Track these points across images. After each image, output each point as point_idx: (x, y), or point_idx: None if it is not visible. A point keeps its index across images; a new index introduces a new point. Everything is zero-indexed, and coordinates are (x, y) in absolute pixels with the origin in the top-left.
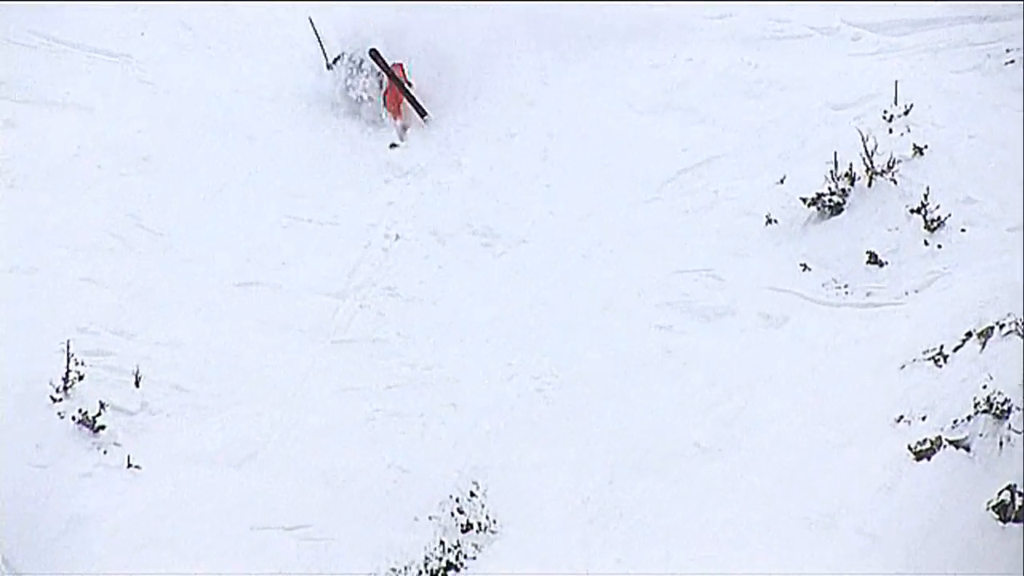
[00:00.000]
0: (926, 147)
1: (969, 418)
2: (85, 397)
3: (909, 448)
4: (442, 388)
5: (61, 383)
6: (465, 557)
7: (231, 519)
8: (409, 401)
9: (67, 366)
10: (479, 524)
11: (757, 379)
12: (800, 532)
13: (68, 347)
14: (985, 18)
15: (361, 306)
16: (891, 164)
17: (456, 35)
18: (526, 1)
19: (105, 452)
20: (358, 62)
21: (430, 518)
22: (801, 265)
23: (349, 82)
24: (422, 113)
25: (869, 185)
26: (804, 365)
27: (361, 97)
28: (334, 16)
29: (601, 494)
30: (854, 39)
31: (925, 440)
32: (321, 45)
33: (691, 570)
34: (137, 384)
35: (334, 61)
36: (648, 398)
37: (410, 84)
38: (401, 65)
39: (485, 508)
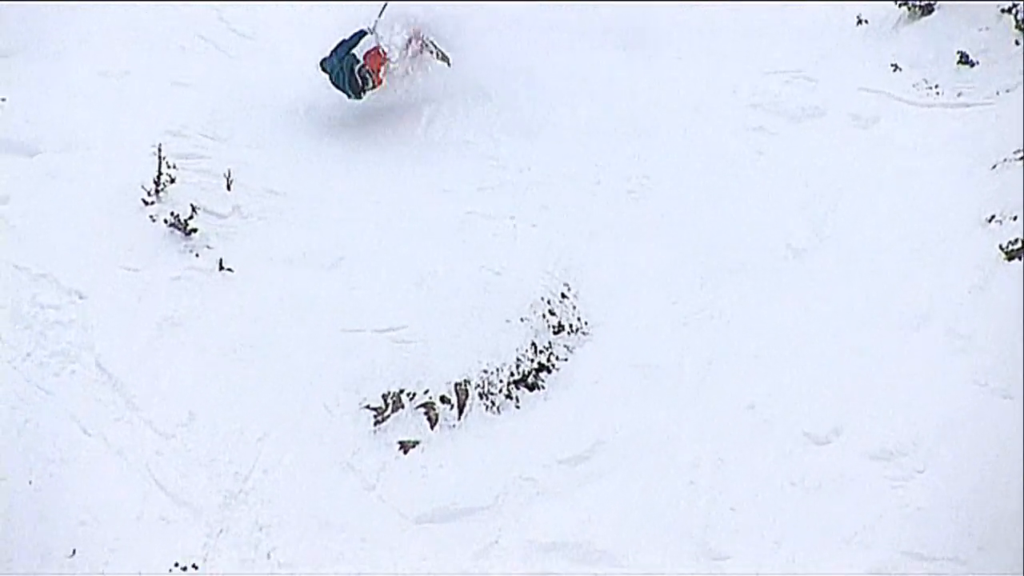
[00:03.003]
0: None
1: None
2: (177, 200)
3: (1000, 248)
4: (533, 190)
5: (153, 186)
6: (557, 358)
7: (323, 321)
8: (500, 203)
9: (158, 169)
10: (570, 326)
11: (847, 180)
12: (891, 332)
13: (159, 150)
14: None
15: (451, 109)
16: None
17: None
18: None
19: (197, 255)
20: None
21: (522, 320)
22: (892, 65)
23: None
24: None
25: None
26: (894, 166)
27: None
28: None
29: (692, 296)
30: None
31: (1016, 240)
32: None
33: (782, 368)
34: (228, 187)
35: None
36: (739, 199)
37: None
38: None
39: (576, 310)
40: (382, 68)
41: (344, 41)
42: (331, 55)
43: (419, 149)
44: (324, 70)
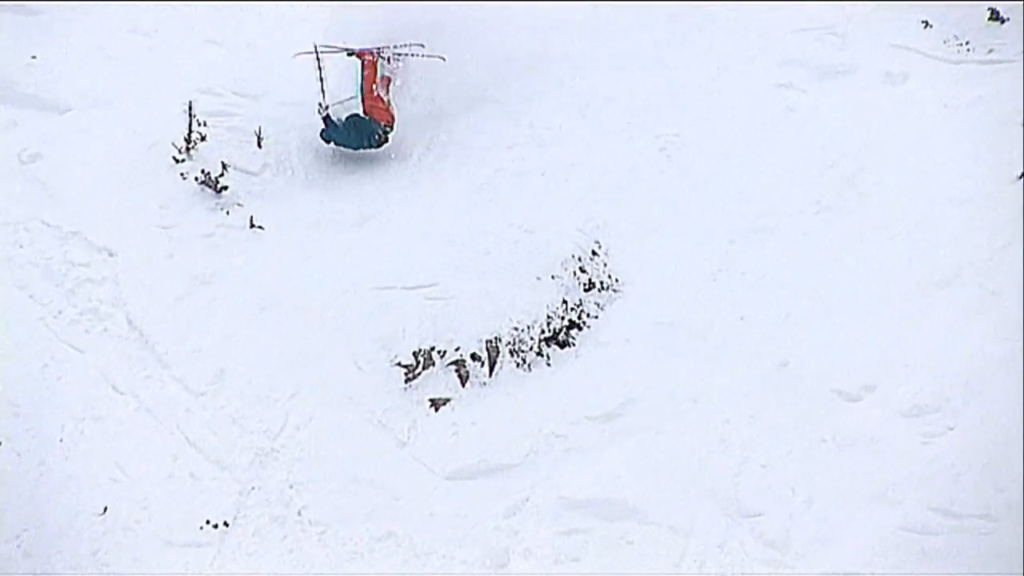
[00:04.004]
0: None
1: None
2: (207, 158)
3: None
4: (563, 148)
5: (183, 144)
6: (588, 316)
7: (354, 279)
8: (530, 161)
9: (189, 126)
10: (601, 283)
11: (877, 137)
12: (920, 289)
13: (190, 108)
14: None
15: (477, 75)
16: None
17: None
18: None
19: (228, 213)
20: None
21: (553, 277)
22: (922, 22)
23: None
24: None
25: None
26: (924, 123)
27: None
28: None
29: (722, 253)
30: None
31: None
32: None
33: (813, 326)
34: (259, 145)
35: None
36: (769, 156)
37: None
38: (374, 57)
39: (607, 267)
40: (390, 110)
41: (329, 119)
42: (331, 129)
43: (449, 107)
44: (327, 140)
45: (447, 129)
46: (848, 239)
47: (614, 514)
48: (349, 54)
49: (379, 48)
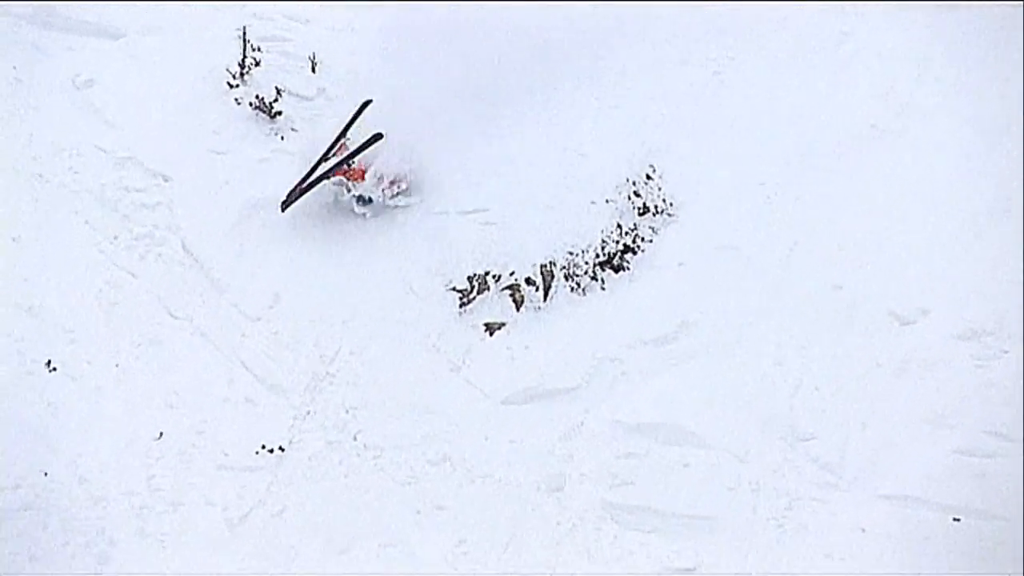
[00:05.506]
0: None
1: None
2: (262, 83)
3: None
4: (615, 73)
5: (237, 69)
6: (642, 240)
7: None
8: (583, 87)
9: (243, 52)
10: (655, 207)
11: (931, 61)
12: (975, 212)
13: (244, 33)
14: None
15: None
16: None
17: None
18: None
19: (282, 138)
20: None
21: (607, 201)
22: None
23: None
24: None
25: None
26: (981, 46)
27: None
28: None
29: (776, 177)
30: None
31: None
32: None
33: (868, 249)
34: (313, 70)
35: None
36: (823, 81)
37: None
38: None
39: (662, 191)
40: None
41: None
42: None
43: (501, 31)
44: None
45: (499, 64)
46: (903, 163)
47: (669, 438)
48: (327, 177)
49: (342, 158)
